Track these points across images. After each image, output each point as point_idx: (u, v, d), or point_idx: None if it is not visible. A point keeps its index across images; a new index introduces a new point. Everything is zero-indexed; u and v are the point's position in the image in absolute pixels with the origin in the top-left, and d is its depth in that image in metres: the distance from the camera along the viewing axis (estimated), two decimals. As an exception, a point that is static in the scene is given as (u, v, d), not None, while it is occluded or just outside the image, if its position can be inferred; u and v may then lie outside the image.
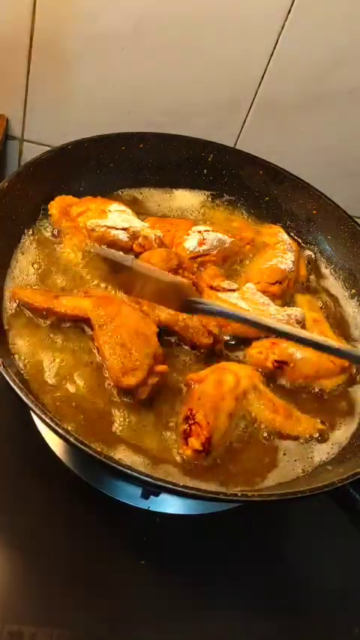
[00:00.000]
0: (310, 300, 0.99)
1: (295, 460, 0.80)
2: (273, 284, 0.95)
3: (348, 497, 0.74)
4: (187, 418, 0.77)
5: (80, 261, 0.93)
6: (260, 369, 0.85)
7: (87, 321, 0.83)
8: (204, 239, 0.96)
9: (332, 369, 0.88)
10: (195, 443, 0.75)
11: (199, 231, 0.96)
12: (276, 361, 0.85)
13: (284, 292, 0.96)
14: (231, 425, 0.79)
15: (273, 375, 0.86)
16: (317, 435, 0.83)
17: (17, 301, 0.84)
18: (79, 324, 0.84)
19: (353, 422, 0.87)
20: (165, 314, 0.85)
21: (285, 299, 0.97)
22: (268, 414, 0.81)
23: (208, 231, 0.97)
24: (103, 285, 0.90)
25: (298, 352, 0.86)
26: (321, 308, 0.99)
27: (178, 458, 0.77)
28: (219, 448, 0.77)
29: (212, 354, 0.86)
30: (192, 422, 0.76)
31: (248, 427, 0.81)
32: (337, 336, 0.95)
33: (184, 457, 0.76)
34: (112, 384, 0.79)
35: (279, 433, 0.81)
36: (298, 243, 1.07)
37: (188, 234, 0.97)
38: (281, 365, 0.85)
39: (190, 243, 0.95)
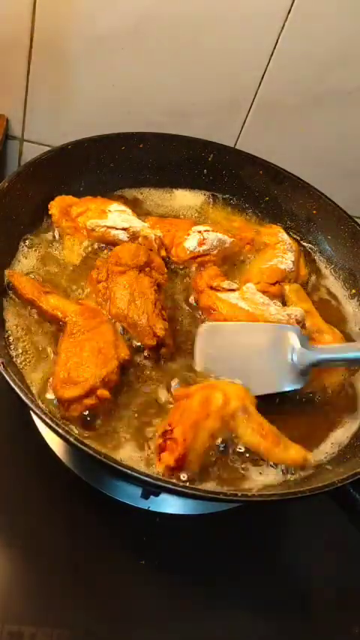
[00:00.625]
0: (299, 289, 0.96)
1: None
2: (273, 284, 0.95)
3: (348, 497, 0.74)
4: (164, 433, 0.74)
5: (79, 262, 0.93)
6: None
7: (63, 324, 0.82)
8: (204, 239, 0.96)
9: (332, 369, 0.88)
10: (168, 459, 0.71)
11: (199, 231, 0.96)
12: (276, 361, 0.84)
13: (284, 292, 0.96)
14: (212, 445, 0.75)
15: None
16: (303, 464, 0.78)
17: (9, 283, 0.85)
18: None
19: (353, 422, 0.87)
20: (115, 308, 0.83)
21: (285, 299, 0.96)
22: (255, 437, 0.76)
23: (208, 231, 0.97)
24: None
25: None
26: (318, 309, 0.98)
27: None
28: (195, 466, 0.73)
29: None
30: (169, 437, 0.72)
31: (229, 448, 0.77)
32: (329, 327, 0.93)
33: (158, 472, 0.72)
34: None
35: (262, 459, 0.77)
36: (299, 243, 1.07)
37: (188, 234, 0.97)
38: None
39: (190, 243, 0.95)
